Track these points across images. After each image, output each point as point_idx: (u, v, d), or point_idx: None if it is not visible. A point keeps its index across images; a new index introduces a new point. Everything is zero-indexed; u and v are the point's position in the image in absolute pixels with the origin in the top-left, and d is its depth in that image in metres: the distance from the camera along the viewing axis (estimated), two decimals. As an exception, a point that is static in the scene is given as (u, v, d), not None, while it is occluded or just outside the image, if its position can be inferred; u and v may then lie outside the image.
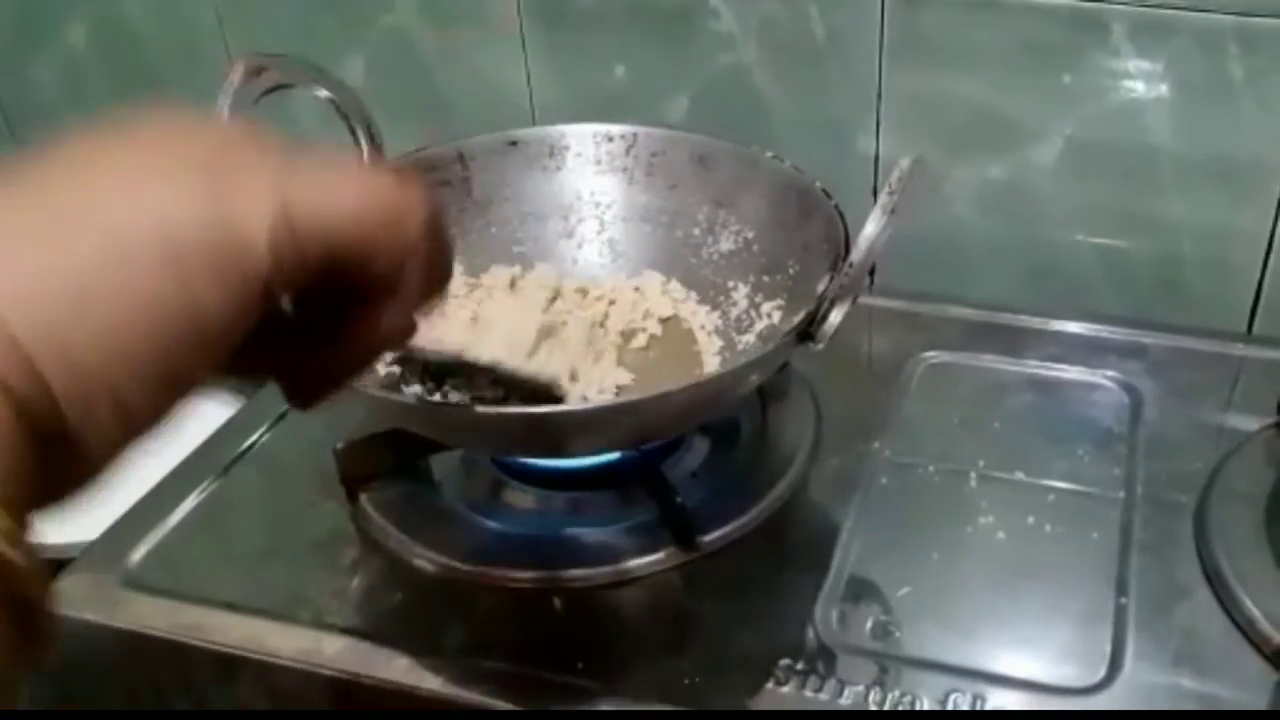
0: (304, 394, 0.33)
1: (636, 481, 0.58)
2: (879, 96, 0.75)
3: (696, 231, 0.67)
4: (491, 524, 0.57)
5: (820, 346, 0.53)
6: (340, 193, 0.30)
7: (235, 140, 0.29)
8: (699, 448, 0.62)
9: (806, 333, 0.52)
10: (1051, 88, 0.71)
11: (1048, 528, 0.56)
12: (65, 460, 0.24)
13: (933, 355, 0.69)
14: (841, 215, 0.58)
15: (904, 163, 0.49)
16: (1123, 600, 0.52)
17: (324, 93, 0.62)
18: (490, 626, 0.52)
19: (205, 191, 0.27)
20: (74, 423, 0.24)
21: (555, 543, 0.56)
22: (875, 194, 0.79)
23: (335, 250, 0.29)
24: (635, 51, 0.79)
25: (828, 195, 0.60)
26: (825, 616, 0.51)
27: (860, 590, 0.53)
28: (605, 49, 0.79)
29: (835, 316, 0.50)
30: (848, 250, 0.56)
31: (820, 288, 0.56)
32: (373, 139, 0.63)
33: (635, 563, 0.54)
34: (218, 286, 0.26)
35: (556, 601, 0.53)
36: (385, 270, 0.31)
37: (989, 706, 0.47)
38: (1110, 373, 0.66)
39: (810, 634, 0.51)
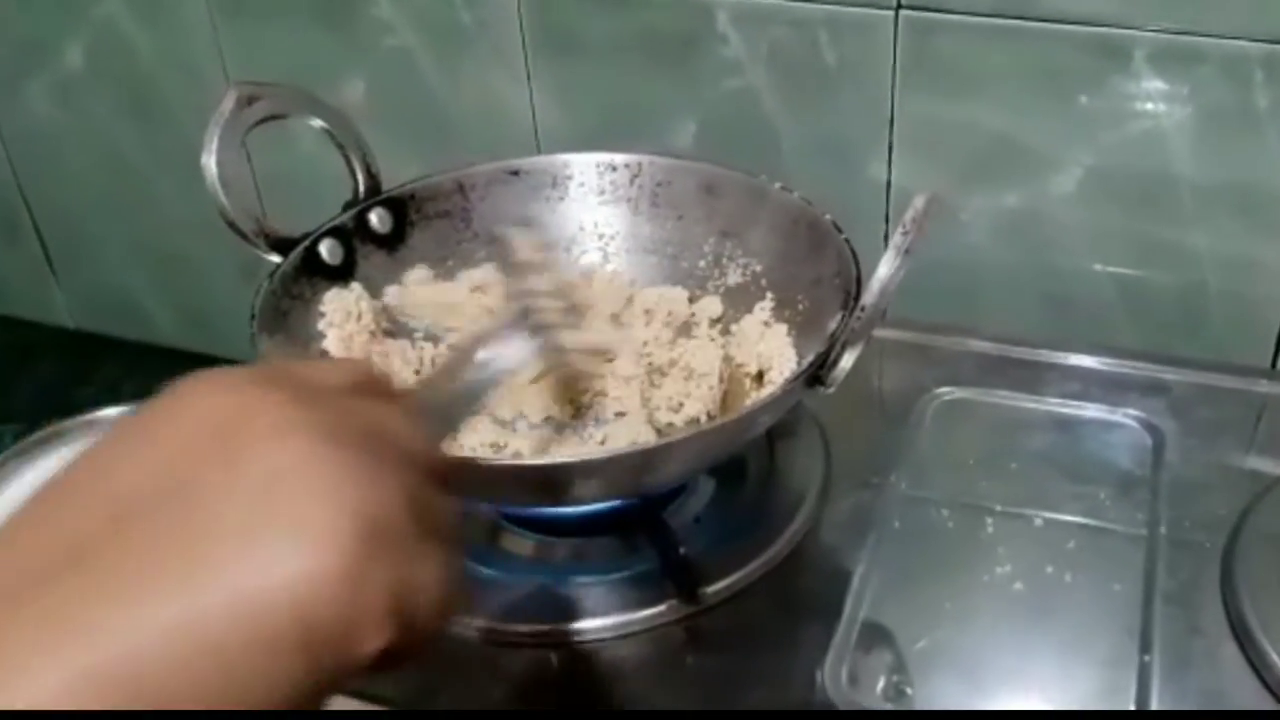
0: None
1: (638, 528, 0.56)
2: (891, 122, 0.73)
3: (703, 263, 0.65)
4: (487, 572, 0.55)
5: (831, 390, 0.51)
6: (448, 597, 0.28)
7: (373, 500, 0.26)
8: (703, 489, 0.59)
9: (816, 376, 0.50)
10: (1070, 115, 0.69)
11: (1067, 577, 0.54)
12: None
13: (947, 391, 0.66)
14: (853, 251, 0.56)
15: (919, 201, 0.47)
16: (1146, 658, 0.50)
17: (319, 122, 0.60)
18: (484, 685, 0.50)
19: (341, 567, 0.25)
20: None
21: (554, 594, 0.54)
22: (887, 222, 0.77)
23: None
24: (642, 76, 0.77)
25: (838, 229, 0.58)
26: (835, 673, 0.49)
27: (872, 644, 0.51)
28: (611, 74, 0.77)
29: (847, 361, 0.48)
30: (859, 288, 0.54)
31: (831, 326, 0.54)
32: (369, 169, 0.62)
33: (636, 615, 0.52)
34: (341, 665, 0.25)
35: (554, 658, 0.51)
36: None
37: (1008, 776, 0.45)
38: (1131, 411, 0.64)
39: (819, 694, 0.48)
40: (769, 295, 0.62)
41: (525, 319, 0.44)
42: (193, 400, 0.27)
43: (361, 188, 0.62)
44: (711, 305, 0.64)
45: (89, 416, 0.82)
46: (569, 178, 0.66)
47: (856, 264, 0.55)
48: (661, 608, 0.52)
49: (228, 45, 0.87)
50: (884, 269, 0.46)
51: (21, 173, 1.02)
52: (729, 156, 0.66)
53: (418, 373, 0.59)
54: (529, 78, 0.80)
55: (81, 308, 1.09)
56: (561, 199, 0.66)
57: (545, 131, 0.82)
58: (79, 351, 1.08)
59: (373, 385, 0.31)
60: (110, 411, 0.83)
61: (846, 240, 0.57)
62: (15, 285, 1.10)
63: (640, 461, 0.46)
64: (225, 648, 0.23)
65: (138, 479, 0.25)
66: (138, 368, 1.05)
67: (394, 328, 0.61)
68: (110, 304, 1.07)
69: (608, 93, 0.79)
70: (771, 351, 0.58)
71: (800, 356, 0.58)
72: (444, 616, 0.28)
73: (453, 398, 0.38)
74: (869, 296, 0.47)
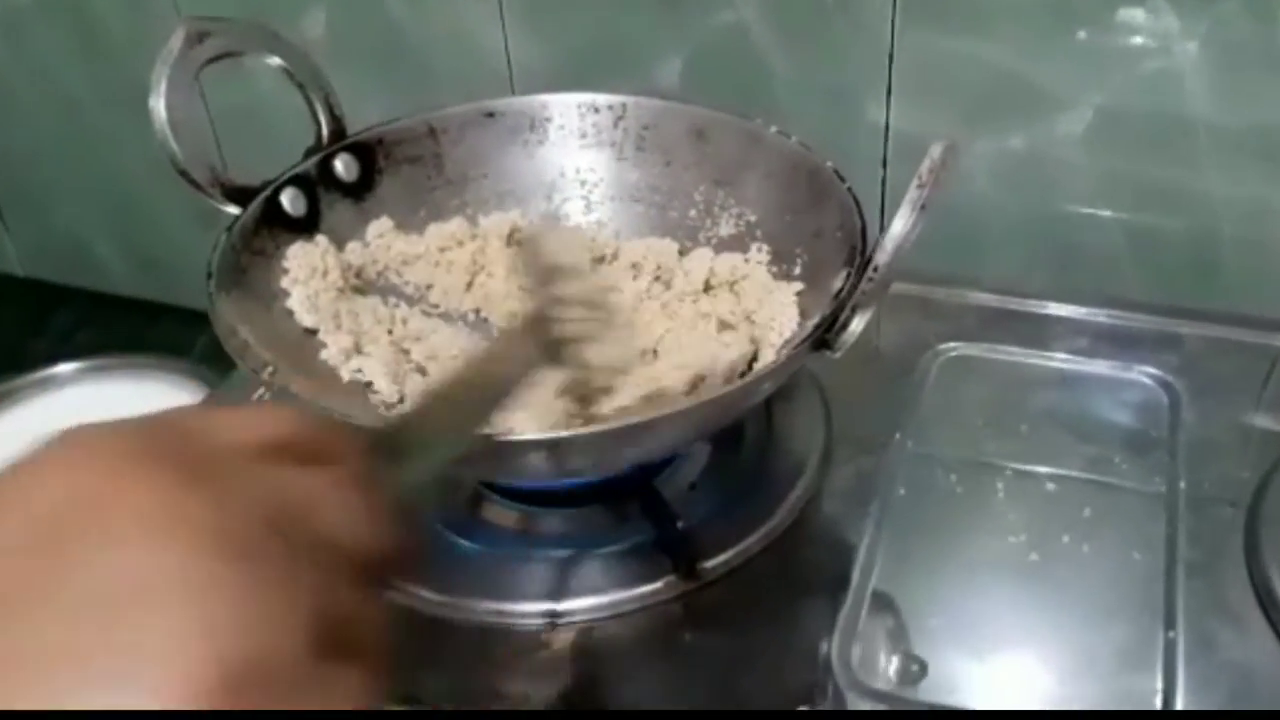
0: None
1: (629, 497, 0.53)
2: (890, 60, 0.69)
3: (693, 213, 0.61)
4: (471, 546, 0.52)
5: (838, 355, 0.47)
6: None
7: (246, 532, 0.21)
8: (698, 454, 0.56)
9: (823, 340, 0.46)
10: (1079, 52, 0.65)
11: (1084, 547, 0.51)
12: None
13: (950, 347, 0.63)
14: (858, 203, 0.52)
15: (935, 150, 0.43)
16: (1171, 634, 0.47)
17: (277, 60, 0.55)
18: (472, 668, 0.47)
19: (237, 604, 0.20)
20: None
21: (542, 570, 0.50)
22: (884, 166, 0.73)
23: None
24: (624, 8, 0.72)
25: (841, 178, 0.54)
26: (843, 654, 0.46)
27: (881, 619, 0.48)
28: (591, 5, 0.72)
29: (856, 324, 0.44)
30: (865, 243, 0.50)
31: (836, 285, 0.50)
32: (332, 112, 0.57)
33: (632, 593, 0.49)
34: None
35: (546, 638, 0.48)
36: None
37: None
38: (1144, 368, 0.61)
39: (827, 675, 0.45)
40: (764, 248, 0.58)
41: (543, 328, 0.39)
42: (50, 473, 0.21)
43: (325, 131, 0.57)
44: (702, 260, 0.59)
45: (42, 374, 0.78)
46: (548, 120, 0.62)
47: (862, 217, 0.51)
48: (658, 584, 0.49)
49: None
50: (898, 226, 0.42)
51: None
52: (717, 97, 0.61)
53: (390, 332, 0.55)
54: (501, 8, 0.75)
55: (32, 256, 1.04)
56: (540, 143, 0.61)
57: (520, 68, 0.77)
58: (30, 301, 1.03)
59: (304, 445, 0.25)
60: (65, 367, 0.79)
61: (850, 190, 0.53)
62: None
63: (637, 434, 0.42)
64: None
65: None
66: (92, 317, 1.00)
67: (363, 284, 0.57)
68: (62, 251, 1.01)
69: (587, 25, 0.74)
70: (773, 309, 0.54)
71: (803, 314, 0.54)
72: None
73: (449, 426, 0.33)
74: (882, 256, 0.43)
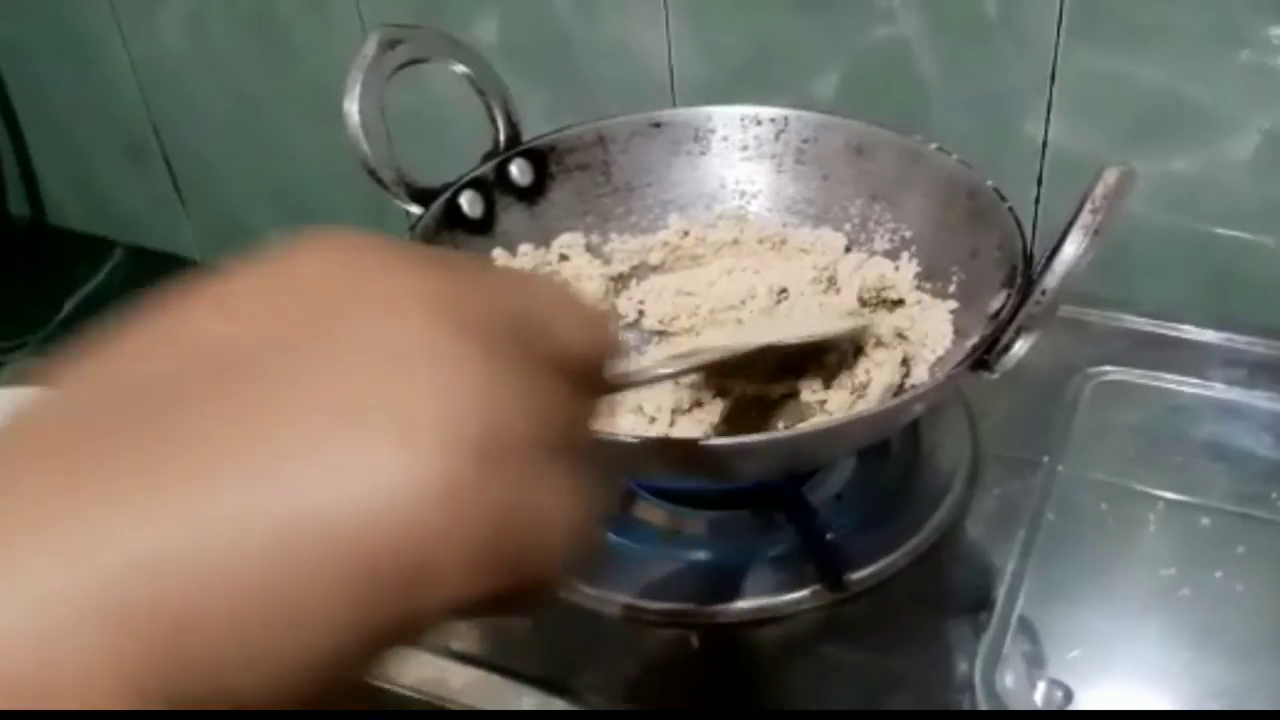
0: None
1: (777, 503, 0.54)
2: (1052, 77, 0.69)
3: (848, 227, 0.62)
4: (621, 541, 0.54)
5: (995, 377, 0.48)
6: (570, 541, 0.22)
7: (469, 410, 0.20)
8: (844, 465, 0.57)
9: (983, 361, 0.47)
10: (1248, 73, 0.64)
11: (1238, 587, 0.50)
12: None
13: (1103, 370, 0.62)
14: (1019, 223, 0.53)
15: (1110, 175, 0.43)
16: (1327, 680, 0.46)
17: (461, 68, 0.58)
18: (622, 663, 0.49)
19: (439, 482, 0.19)
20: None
21: (690, 571, 0.52)
22: (1039, 184, 0.73)
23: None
24: (784, 20, 0.73)
25: (1002, 197, 0.55)
26: (987, 676, 0.47)
27: (1025, 646, 0.48)
28: (752, 18, 0.74)
29: (1020, 347, 0.45)
30: (1028, 264, 0.50)
31: (994, 305, 0.50)
32: (510, 117, 0.60)
33: (777, 600, 0.50)
34: (410, 609, 0.20)
35: (692, 639, 0.49)
36: None
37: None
38: (1306, 401, 0.60)
39: (971, 697, 0.46)
40: (916, 263, 0.59)
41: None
42: (305, 256, 0.22)
43: (502, 137, 0.59)
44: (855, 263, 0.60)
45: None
46: (711, 131, 0.63)
47: (1023, 238, 0.52)
48: (804, 593, 0.50)
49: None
50: (1070, 250, 0.43)
51: (152, 101, 1.02)
52: (872, 110, 0.62)
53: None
54: (667, 19, 0.76)
55: (207, 239, 1.10)
56: (703, 154, 0.63)
57: (681, 79, 0.78)
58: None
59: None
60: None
61: (1011, 210, 0.54)
62: (145, 214, 1.11)
63: (799, 445, 0.43)
64: (277, 564, 0.18)
65: (219, 332, 0.20)
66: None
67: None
68: (235, 236, 1.07)
69: (748, 37, 0.75)
70: (926, 327, 0.55)
71: (957, 333, 0.55)
72: (560, 566, 0.21)
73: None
74: (1051, 279, 0.43)
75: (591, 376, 0.24)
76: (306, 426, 0.19)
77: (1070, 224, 0.43)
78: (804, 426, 0.43)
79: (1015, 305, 0.46)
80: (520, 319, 0.22)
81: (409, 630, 0.20)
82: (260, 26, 0.91)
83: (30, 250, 1.17)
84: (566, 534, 0.21)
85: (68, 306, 1.07)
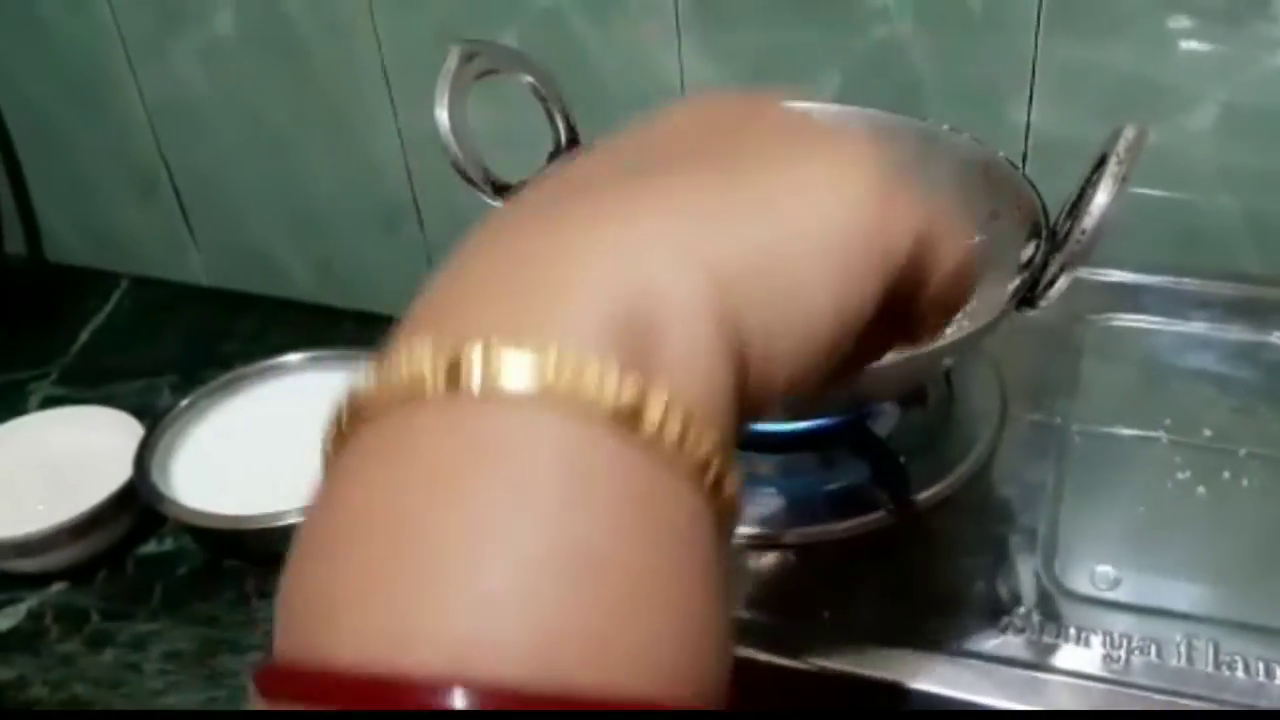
0: None
1: (840, 444, 0.61)
2: (1033, 66, 0.77)
3: (872, 205, 0.69)
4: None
5: (1036, 312, 0.55)
6: (959, 239, 0.31)
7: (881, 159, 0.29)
8: (890, 412, 0.64)
9: (1028, 298, 0.54)
10: (1205, 54, 0.73)
11: (1245, 482, 0.59)
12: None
13: (1101, 318, 0.71)
14: (1032, 183, 0.61)
15: (1129, 131, 0.51)
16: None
17: (528, 78, 0.64)
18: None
19: (883, 199, 0.28)
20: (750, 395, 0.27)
21: (769, 501, 0.59)
22: (1024, 161, 0.81)
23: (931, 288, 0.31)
24: (791, 26, 0.81)
25: (1014, 165, 0.63)
26: (1048, 568, 0.54)
27: (1075, 545, 0.56)
28: (763, 27, 0.81)
29: (1063, 282, 0.52)
30: (1047, 218, 0.58)
31: (1025, 255, 0.58)
32: (569, 122, 0.66)
33: (852, 522, 0.57)
34: (879, 290, 0.28)
35: (784, 556, 0.56)
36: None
37: (1229, 652, 0.49)
38: (1276, 332, 0.69)
39: (1036, 584, 0.53)
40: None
41: None
42: (701, 99, 0.32)
43: (563, 139, 0.66)
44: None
45: (271, 362, 0.88)
46: (743, 126, 0.70)
47: (1038, 193, 0.60)
48: (878, 513, 0.57)
49: (380, 5, 0.90)
50: (1103, 196, 0.50)
51: (163, 136, 1.06)
52: (872, 104, 0.70)
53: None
54: (679, 29, 0.84)
55: (217, 266, 1.14)
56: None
57: (692, 88, 0.86)
58: (217, 307, 1.12)
59: None
60: (291, 357, 0.89)
61: (1025, 176, 0.62)
62: (151, 246, 1.14)
63: (897, 371, 0.50)
64: (812, 250, 0.26)
65: (691, 117, 0.31)
66: (277, 321, 1.09)
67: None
68: (246, 262, 1.11)
69: (756, 44, 0.83)
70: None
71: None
72: (963, 259, 0.31)
73: None
74: (1090, 220, 0.51)
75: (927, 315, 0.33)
76: (803, 164, 0.28)
77: (1098, 173, 0.51)
78: (899, 354, 0.50)
79: (1050, 248, 0.54)
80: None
81: (870, 306, 0.28)
82: (280, 56, 0.96)
83: (33, 285, 1.19)
84: (968, 253, 0.31)
85: (83, 335, 1.11)
